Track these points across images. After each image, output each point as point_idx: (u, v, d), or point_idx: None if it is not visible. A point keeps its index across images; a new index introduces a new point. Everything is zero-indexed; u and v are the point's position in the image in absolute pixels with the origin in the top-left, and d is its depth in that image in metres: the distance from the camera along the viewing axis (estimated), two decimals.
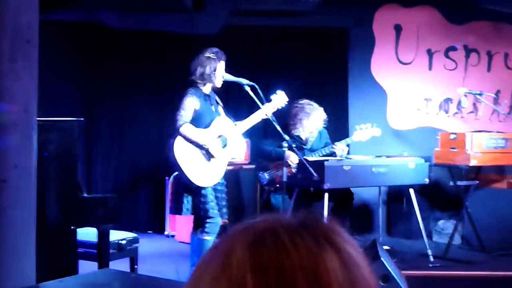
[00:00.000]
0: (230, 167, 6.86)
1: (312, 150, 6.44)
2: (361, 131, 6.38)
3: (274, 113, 5.39)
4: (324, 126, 6.51)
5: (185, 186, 5.08)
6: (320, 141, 6.53)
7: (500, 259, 6.51)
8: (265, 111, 5.23)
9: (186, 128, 4.99)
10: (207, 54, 5.15)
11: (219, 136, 5.19)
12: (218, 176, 5.14)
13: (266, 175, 6.41)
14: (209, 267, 0.79)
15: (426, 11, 7.76)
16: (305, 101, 6.45)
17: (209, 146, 5.07)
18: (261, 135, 7.48)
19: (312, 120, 6.40)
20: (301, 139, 6.49)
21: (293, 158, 6.07)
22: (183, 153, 5.01)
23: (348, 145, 6.42)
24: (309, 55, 8.15)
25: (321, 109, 6.44)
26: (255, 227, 0.81)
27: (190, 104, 5.04)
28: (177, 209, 5.18)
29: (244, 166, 7.49)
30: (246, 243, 0.79)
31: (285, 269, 0.75)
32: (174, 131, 5.05)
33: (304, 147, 6.49)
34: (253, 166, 7.46)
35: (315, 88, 7.99)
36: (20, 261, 3.03)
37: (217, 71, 5.14)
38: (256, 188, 7.50)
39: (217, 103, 5.34)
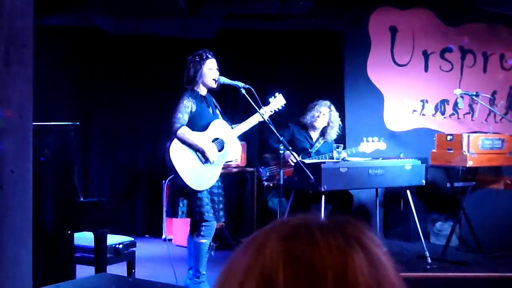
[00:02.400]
0: (227, 170, 6.87)
1: (317, 154, 6.51)
2: (368, 143, 6.43)
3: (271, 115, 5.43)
4: (336, 137, 6.61)
5: (180, 189, 5.08)
6: (325, 150, 6.57)
7: (497, 260, 6.51)
8: (262, 114, 5.23)
9: (183, 131, 4.99)
10: (191, 58, 5.19)
11: (216, 139, 5.20)
12: (214, 179, 5.13)
13: (267, 171, 6.46)
14: (243, 256, 0.83)
15: (421, 13, 7.77)
16: (327, 101, 6.66)
17: (206, 150, 5.07)
18: (257, 137, 7.50)
19: (326, 118, 6.52)
20: (310, 139, 6.58)
21: (293, 158, 6.09)
22: (178, 157, 5.00)
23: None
24: (305, 58, 8.15)
25: (337, 114, 6.60)
26: (290, 223, 0.86)
27: (186, 106, 5.05)
28: (173, 213, 5.18)
29: (241, 170, 7.47)
30: (281, 236, 0.82)
31: (316, 263, 0.79)
32: (170, 134, 5.06)
33: (310, 150, 6.54)
34: (250, 169, 7.47)
35: (311, 91, 7.99)
36: (16, 266, 3.02)
37: (204, 71, 5.14)
38: (253, 191, 7.50)
39: (215, 106, 5.34)
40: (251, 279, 0.80)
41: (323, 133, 6.66)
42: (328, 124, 6.62)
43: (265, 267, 0.80)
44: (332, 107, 6.65)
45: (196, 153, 5.08)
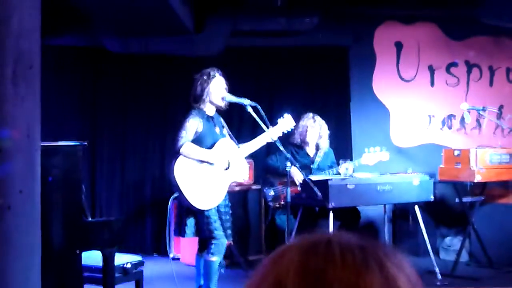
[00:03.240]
0: (234, 188, 6.86)
1: (319, 170, 6.48)
2: (370, 154, 6.37)
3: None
4: (329, 149, 6.58)
5: (187, 208, 5.06)
6: (326, 161, 6.56)
7: (509, 275, 6.46)
8: (271, 135, 5.20)
9: (187, 147, 4.98)
10: (198, 76, 5.18)
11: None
12: (219, 198, 5.11)
13: (271, 192, 6.44)
14: (263, 266, 0.87)
15: (426, 28, 7.77)
16: (309, 114, 6.62)
17: (211, 158, 5.05)
18: (264, 155, 7.48)
19: (317, 130, 6.48)
20: (308, 156, 6.56)
21: (298, 176, 6.07)
22: (183, 176, 4.99)
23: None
24: (310, 74, 8.16)
25: (323, 121, 6.56)
26: (314, 237, 0.88)
27: (192, 125, 5.04)
28: (180, 232, 5.16)
29: (248, 187, 7.46)
30: (301, 248, 0.85)
31: (327, 277, 0.80)
32: (175, 152, 5.05)
33: (311, 166, 6.52)
34: (258, 187, 7.45)
35: (317, 107, 7.97)
36: (25, 286, 3.01)
37: (211, 89, 5.13)
38: (261, 208, 7.48)
39: (222, 126, 5.33)
40: (264, 284, 0.83)
41: (317, 145, 6.63)
42: (319, 135, 6.58)
43: (278, 274, 0.82)
44: (316, 117, 6.59)
45: (202, 172, 5.06)
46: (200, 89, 5.14)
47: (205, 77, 5.15)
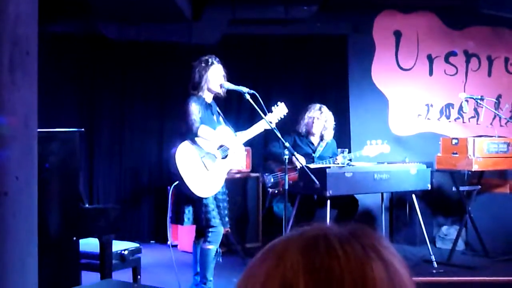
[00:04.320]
0: (232, 176, 6.87)
1: (320, 159, 6.50)
2: (371, 146, 6.38)
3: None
4: (332, 139, 6.61)
5: (185, 196, 5.07)
6: (328, 151, 6.58)
7: (504, 264, 6.49)
8: (268, 122, 5.21)
9: (203, 129, 5.00)
10: (196, 63, 5.18)
11: (220, 146, 5.19)
12: (218, 186, 5.13)
13: (271, 178, 6.46)
14: (262, 265, 0.85)
15: (425, 17, 7.76)
16: (316, 105, 6.64)
17: (225, 143, 5.11)
18: (262, 142, 7.49)
19: (322, 121, 6.50)
20: (312, 144, 6.59)
21: (301, 160, 6.10)
22: (184, 163, 5.00)
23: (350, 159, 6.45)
24: (309, 62, 8.15)
25: (330, 113, 6.59)
26: (308, 233, 0.87)
27: (196, 108, 5.04)
28: (178, 220, 5.18)
29: (246, 175, 7.47)
30: (300, 247, 0.84)
31: (335, 273, 0.80)
32: (191, 135, 5.02)
33: (313, 155, 6.54)
34: (256, 174, 7.46)
35: (315, 96, 7.99)
36: (22, 273, 3.02)
37: (209, 76, 5.13)
38: (259, 196, 7.50)
39: (218, 113, 5.34)
40: None
41: (322, 136, 6.66)
42: (323, 126, 6.60)
43: (285, 277, 0.81)
44: (323, 108, 6.62)
45: (202, 160, 5.08)
46: (198, 76, 5.14)
47: (203, 64, 5.15)
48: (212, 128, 5.14)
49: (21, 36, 2.93)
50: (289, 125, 6.37)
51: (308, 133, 6.63)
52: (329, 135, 6.64)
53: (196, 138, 5.02)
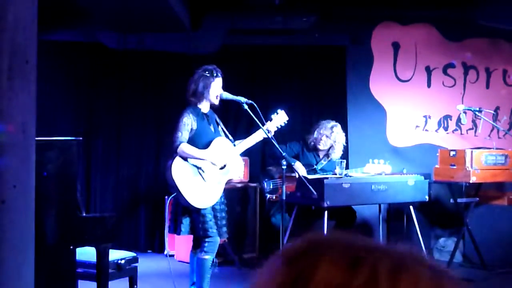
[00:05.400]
0: (230, 186, 6.86)
1: (323, 171, 6.51)
2: (373, 165, 6.38)
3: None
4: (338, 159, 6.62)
5: (183, 206, 5.07)
6: (332, 166, 6.57)
7: (501, 277, 6.48)
8: (266, 131, 5.20)
9: (184, 147, 4.99)
10: (200, 72, 5.17)
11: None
12: (216, 197, 5.12)
13: (270, 184, 6.47)
14: (277, 277, 0.73)
15: (423, 29, 7.78)
16: (330, 122, 6.67)
17: (209, 158, 5.06)
18: (260, 152, 7.49)
19: (331, 141, 6.52)
20: (318, 156, 6.60)
21: (301, 171, 6.09)
22: (181, 175, 5.00)
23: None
24: (307, 73, 8.16)
25: (342, 134, 6.60)
26: (343, 248, 0.74)
27: (186, 124, 5.04)
28: (175, 229, 5.17)
29: (244, 185, 7.46)
30: (338, 265, 0.71)
31: None
32: (172, 152, 5.06)
33: (315, 167, 6.55)
34: (254, 185, 7.45)
35: (313, 106, 8.01)
36: (18, 281, 3.01)
37: (211, 88, 5.14)
38: (256, 206, 7.49)
39: (217, 123, 5.33)
40: None
41: (327, 152, 6.66)
42: (331, 145, 6.60)
43: None
44: (335, 129, 6.61)
45: (199, 171, 5.08)
46: (202, 86, 5.13)
47: (208, 74, 5.14)
48: (209, 139, 5.14)
49: (20, 44, 2.93)
50: (287, 134, 6.37)
51: (315, 147, 6.64)
52: (336, 155, 6.62)
53: (180, 154, 5.01)
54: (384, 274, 0.70)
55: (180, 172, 5.00)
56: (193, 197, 4.98)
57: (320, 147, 6.61)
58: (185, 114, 5.07)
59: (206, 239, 5.04)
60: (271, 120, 5.41)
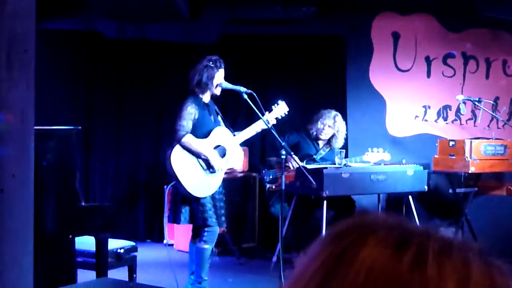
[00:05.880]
0: (229, 176, 6.86)
1: (322, 161, 6.52)
2: (372, 153, 6.39)
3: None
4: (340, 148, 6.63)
5: (182, 195, 5.07)
6: (332, 155, 6.58)
7: None
8: (266, 122, 5.20)
9: (188, 139, 4.98)
10: (204, 63, 5.15)
11: (217, 147, 5.18)
12: (215, 186, 5.12)
13: (270, 173, 6.48)
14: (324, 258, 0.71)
15: (423, 19, 7.76)
16: (332, 112, 6.69)
17: (210, 158, 5.07)
18: (260, 143, 7.49)
19: (333, 130, 6.56)
20: (318, 145, 6.62)
21: (294, 162, 6.11)
22: (180, 164, 5.00)
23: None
24: (307, 63, 8.15)
25: (343, 123, 6.61)
26: (409, 237, 0.71)
27: (189, 113, 5.03)
28: (175, 219, 5.17)
29: (243, 174, 7.46)
30: (388, 249, 0.69)
31: None
32: (174, 141, 5.05)
33: (314, 156, 6.55)
34: (253, 174, 7.45)
35: (313, 96, 8.00)
36: (17, 270, 3.01)
37: (215, 79, 5.13)
38: (255, 196, 7.49)
39: (217, 113, 5.33)
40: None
41: (329, 141, 6.68)
42: (333, 134, 6.62)
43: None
44: (338, 118, 6.64)
45: (198, 160, 5.07)
46: (206, 76, 5.11)
47: (212, 65, 5.13)
48: (209, 128, 5.14)
49: (18, 33, 2.92)
50: (286, 124, 6.38)
51: (317, 137, 6.65)
52: (338, 143, 6.66)
53: (183, 144, 5.00)
54: (431, 255, 0.69)
55: (180, 161, 5.00)
56: (192, 186, 4.99)
57: (322, 136, 6.61)
58: (188, 103, 5.06)
59: (206, 229, 5.05)
60: (271, 110, 5.41)
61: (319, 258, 0.71)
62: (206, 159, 5.06)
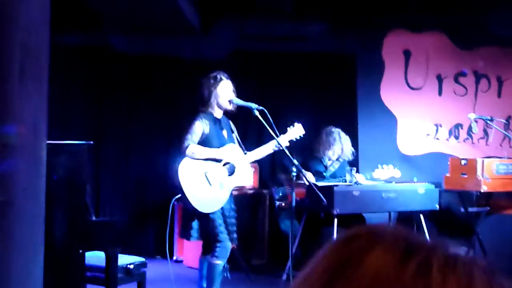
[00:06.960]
0: (240, 192, 6.84)
1: (332, 177, 6.48)
2: (383, 170, 6.35)
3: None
4: (350, 159, 6.59)
5: (191, 211, 5.05)
6: (342, 170, 6.53)
7: None
8: (278, 143, 5.14)
9: (192, 148, 4.97)
10: (204, 79, 5.16)
11: (227, 163, 5.16)
12: (221, 202, 5.07)
13: (280, 191, 6.46)
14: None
15: (435, 36, 7.75)
16: (333, 129, 6.66)
17: (220, 155, 5.03)
18: (269, 160, 7.47)
19: (339, 147, 6.50)
20: (324, 163, 6.59)
21: (309, 178, 6.07)
22: (187, 179, 4.97)
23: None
24: (318, 80, 8.14)
25: (347, 138, 6.58)
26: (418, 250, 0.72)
27: (198, 128, 5.02)
28: (185, 235, 5.15)
29: (253, 191, 7.44)
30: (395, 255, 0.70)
31: None
32: (180, 154, 5.03)
33: (324, 174, 6.52)
34: (263, 191, 7.43)
35: (324, 114, 7.98)
36: (27, 283, 3.00)
37: (219, 93, 5.12)
38: (266, 213, 7.46)
39: (231, 130, 5.31)
40: None
41: (338, 157, 6.66)
42: (341, 150, 6.61)
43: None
44: (341, 134, 6.62)
45: (205, 174, 5.05)
46: (207, 92, 5.12)
47: (211, 81, 5.14)
48: (220, 144, 5.12)
49: (32, 46, 2.93)
50: (297, 141, 6.35)
51: (324, 154, 6.62)
52: (346, 156, 6.65)
53: (188, 154, 4.98)
54: (436, 265, 0.71)
55: (186, 176, 4.98)
56: (197, 201, 4.95)
57: (330, 153, 6.59)
58: (198, 118, 5.06)
59: (217, 244, 5.00)
60: (286, 132, 5.32)
61: (328, 259, 0.74)
62: (214, 165, 5.03)
